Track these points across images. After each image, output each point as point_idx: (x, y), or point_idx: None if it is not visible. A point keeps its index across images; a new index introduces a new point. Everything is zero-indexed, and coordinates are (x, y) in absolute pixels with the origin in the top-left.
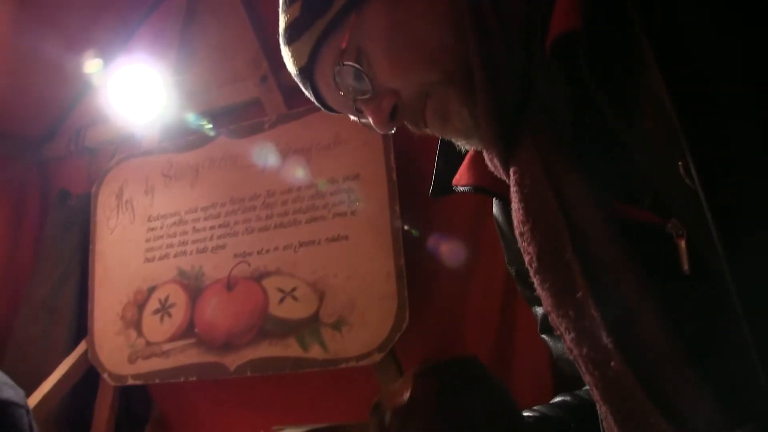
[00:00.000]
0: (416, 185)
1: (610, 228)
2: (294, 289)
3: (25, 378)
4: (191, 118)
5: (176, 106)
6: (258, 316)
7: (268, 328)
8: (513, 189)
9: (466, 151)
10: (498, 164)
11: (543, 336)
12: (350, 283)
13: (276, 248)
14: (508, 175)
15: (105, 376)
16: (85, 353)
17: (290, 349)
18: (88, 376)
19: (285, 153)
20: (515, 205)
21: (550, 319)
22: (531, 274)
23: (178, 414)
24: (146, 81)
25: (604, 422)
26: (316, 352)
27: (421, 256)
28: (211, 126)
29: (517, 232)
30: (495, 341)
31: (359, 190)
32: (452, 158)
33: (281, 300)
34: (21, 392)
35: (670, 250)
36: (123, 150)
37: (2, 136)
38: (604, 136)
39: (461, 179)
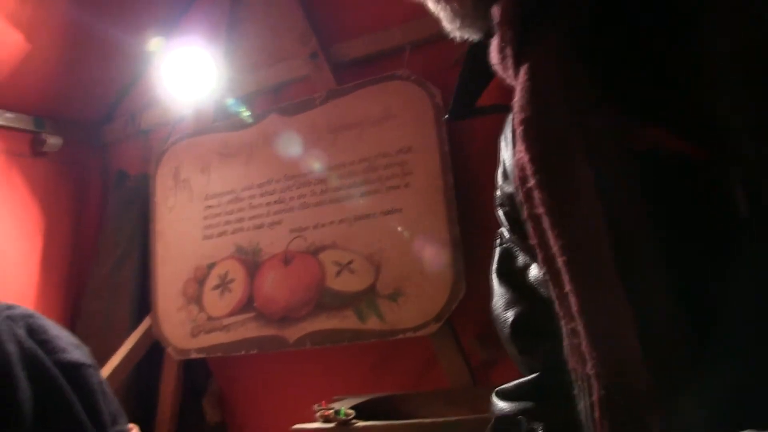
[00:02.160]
0: (469, 155)
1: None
2: (350, 262)
3: (93, 352)
4: (231, 102)
5: (228, 85)
6: (315, 290)
7: (326, 301)
8: (520, 85)
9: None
10: (509, 54)
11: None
12: (406, 254)
13: (331, 222)
14: (516, 72)
15: (169, 350)
16: (149, 329)
17: (348, 321)
18: (152, 351)
19: (337, 128)
20: (518, 101)
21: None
22: (529, 181)
23: (236, 386)
24: (198, 62)
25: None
26: (373, 323)
27: (477, 224)
28: (249, 113)
29: (518, 126)
30: None
31: (411, 163)
32: (479, 77)
33: (338, 273)
34: (86, 351)
35: (708, 187)
36: (178, 131)
37: (64, 121)
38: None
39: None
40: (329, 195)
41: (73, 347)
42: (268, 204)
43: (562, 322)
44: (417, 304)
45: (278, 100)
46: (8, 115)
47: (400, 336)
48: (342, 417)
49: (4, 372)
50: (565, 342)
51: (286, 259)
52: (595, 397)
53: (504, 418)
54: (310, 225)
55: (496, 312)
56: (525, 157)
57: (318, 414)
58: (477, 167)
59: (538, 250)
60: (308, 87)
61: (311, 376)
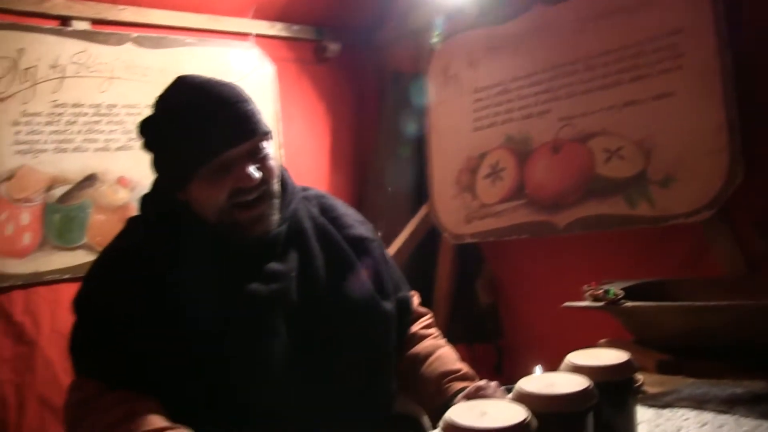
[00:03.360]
0: (747, 35)
1: None
2: (619, 149)
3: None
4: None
5: None
6: (584, 176)
7: (595, 187)
8: None
9: None
10: None
11: None
12: (678, 139)
13: (600, 109)
14: None
15: (445, 235)
16: (426, 215)
17: (617, 207)
18: (429, 236)
19: (602, 14)
20: None
21: None
22: None
23: (507, 270)
24: None
25: None
26: (643, 209)
27: (757, 106)
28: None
29: None
30: None
31: (683, 45)
32: None
33: (607, 159)
34: (370, 226)
35: None
36: (445, 28)
37: (342, 29)
38: None
39: None
40: (597, 82)
41: (358, 224)
42: (536, 94)
43: None
44: (690, 189)
45: None
46: (295, 27)
47: (671, 222)
48: (611, 296)
49: (303, 244)
50: None
51: (555, 147)
52: None
53: None
54: (578, 113)
55: None
56: None
57: (587, 294)
58: (756, 46)
59: None
60: None
61: (579, 260)
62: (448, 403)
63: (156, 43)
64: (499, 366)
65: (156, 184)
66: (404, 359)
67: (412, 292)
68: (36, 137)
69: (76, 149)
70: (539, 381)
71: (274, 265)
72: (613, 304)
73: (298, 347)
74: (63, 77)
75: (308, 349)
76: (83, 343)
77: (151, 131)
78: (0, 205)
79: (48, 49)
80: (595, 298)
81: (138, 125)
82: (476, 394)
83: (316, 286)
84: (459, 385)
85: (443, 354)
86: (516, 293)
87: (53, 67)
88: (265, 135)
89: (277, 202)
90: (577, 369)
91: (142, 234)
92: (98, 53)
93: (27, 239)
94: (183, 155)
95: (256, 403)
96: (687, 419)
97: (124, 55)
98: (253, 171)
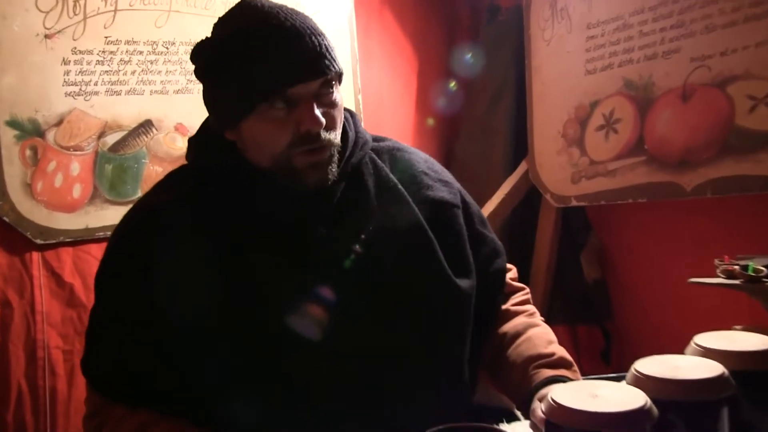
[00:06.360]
0: None
1: None
2: None
3: None
4: None
5: None
6: (721, 129)
7: (734, 142)
8: None
9: None
10: None
11: None
12: None
13: (745, 47)
14: None
15: (548, 196)
16: (526, 173)
17: (761, 166)
18: (529, 197)
19: None
20: None
21: None
22: None
23: (619, 240)
24: None
25: None
26: None
27: None
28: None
29: None
30: None
31: None
32: None
33: (752, 109)
34: (456, 188)
35: None
36: None
37: None
38: None
39: None
40: (744, 12)
41: (440, 184)
42: (662, 29)
43: None
44: None
45: None
46: None
47: None
48: (751, 273)
49: (361, 207)
50: None
51: (685, 93)
52: None
53: None
54: (716, 52)
55: None
56: None
57: (720, 269)
58: None
59: None
60: None
61: (709, 231)
62: (532, 394)
63: None
64: (607, 353)
65: (204, 124)
66: (490, 340)
67: (509, 266)
68: (87, 78)
69: (130, 92)
70: (660, 363)
71: (322, 230)
72: (753, 282)
73: (347, 322)
74: (115, 10)
75: (360, 325)
76: (99, 343)
77: (208, 56)
78: (48, 153)
79: None
80: (730, 275)
81: (192, 49)
82: None
83: (371, 258)
84: (548, 373)
85: (534, 335)
86: (629, 268)
87: None
88: (338, 76)
89: (336, 154)
90: (708, 353)
91: (184, 188)
92: None
93: (77, 192)
94: (242, 86)
95: (301, 379)
96: None
97: None
98: (320, 114)
